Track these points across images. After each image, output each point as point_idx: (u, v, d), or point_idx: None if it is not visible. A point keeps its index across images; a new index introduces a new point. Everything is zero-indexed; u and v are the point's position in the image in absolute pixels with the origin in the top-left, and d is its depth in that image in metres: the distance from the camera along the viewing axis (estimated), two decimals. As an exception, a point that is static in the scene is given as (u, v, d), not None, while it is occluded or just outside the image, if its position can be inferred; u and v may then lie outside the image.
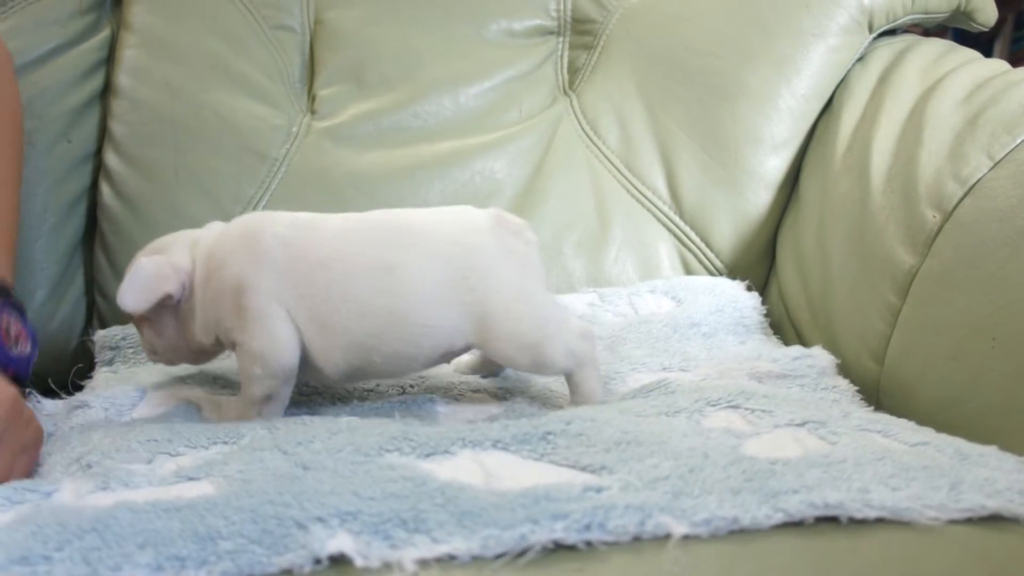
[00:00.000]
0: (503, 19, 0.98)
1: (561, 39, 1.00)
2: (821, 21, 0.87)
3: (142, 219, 0.86)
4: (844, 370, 0.70)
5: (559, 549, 0.37)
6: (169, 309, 0.60)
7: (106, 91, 0.91)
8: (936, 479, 0.42)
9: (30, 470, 0.55)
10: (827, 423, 0.52)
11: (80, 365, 0.77)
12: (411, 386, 0.68)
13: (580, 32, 1.00)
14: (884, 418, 0.56)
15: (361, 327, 0.57)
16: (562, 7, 1.00)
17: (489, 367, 0.70)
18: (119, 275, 0.74)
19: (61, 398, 0.68)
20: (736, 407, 0.56)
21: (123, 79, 0.90)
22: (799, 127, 0.88)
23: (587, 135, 0.94)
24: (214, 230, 0.63)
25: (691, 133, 0.90)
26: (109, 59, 0.92)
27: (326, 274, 0.58)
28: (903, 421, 0.55)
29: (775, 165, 0.88)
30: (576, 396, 0.62)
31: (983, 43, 1.79)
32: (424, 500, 0.40)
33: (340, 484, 0.42)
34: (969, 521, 0.39)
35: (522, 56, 0.98)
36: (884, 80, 0.82)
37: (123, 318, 0.73)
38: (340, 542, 0.36)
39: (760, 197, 0.88)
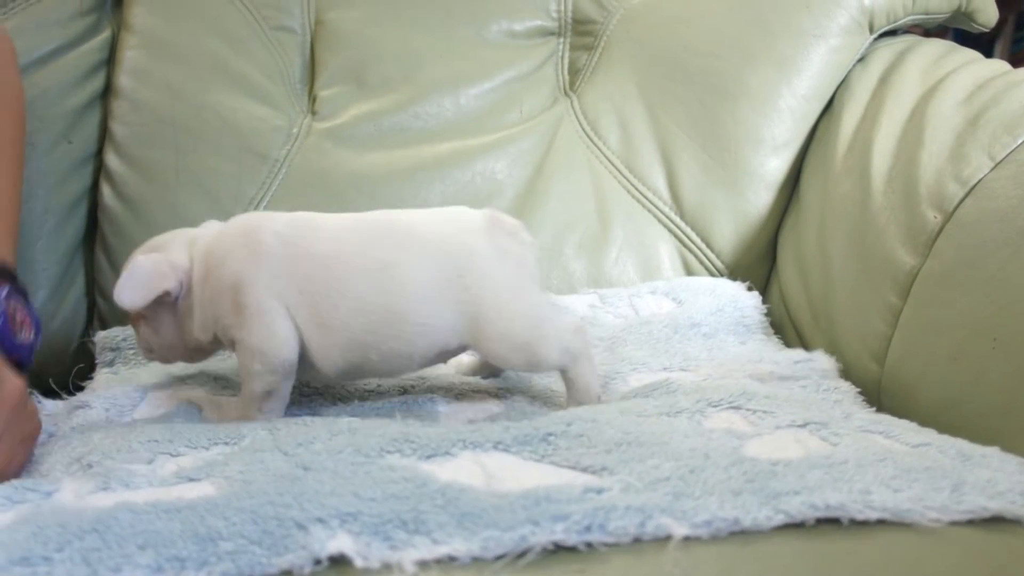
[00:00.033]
0: (504, 20, 0.98)
1: (562, 40, 1.00)
2: (822, 22, 0.87)
3: (143, 220, 0.86)
4: (845, 371, 0.70)
5: (559, 550, 0.37)
6: (166, 307, 0.60)
7: (107, 92, 0.91)
8: (938, 480, 0.42)
9: (27, 459, 0.56)
10: (829, 424, 0.51)
11: (81, 366, 0.77)
12: (412, 386, 0.68)
13: (581, 33, 1.00)
14: (886, 419, 0.56)
15: (359, 324, 0.58)
16: (563, 8, 1.00)
17: (490, 368, 0.70)
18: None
19: (62, 398, 0.68)
20: (738, 408, 0.56)
21: (124, 80, 0.90)
22: (800, 128, 0.88)
23: (588, 136, 0.94)
24: (211, 229, 0.63)
25: (692, 134, 0.90)
26: (110, 60, 0.92)
27: (324, 272, 0.58)
28: (905, 422, 0.55)
29: (776, 166, 0.88)
30: (573, 392, 0.62)
31: (984, 44, 1.79)
32: (424, 501, 0.40)
33: (340, 485, 0.42)
34: (971, 523, 0.39)
35: (523, 57, 0.98)
36: (885, 81, 0.82)
37: (124, 319, 0.73)
38: (340, 543, 0.36)
39: (761, 198, 0.88)
